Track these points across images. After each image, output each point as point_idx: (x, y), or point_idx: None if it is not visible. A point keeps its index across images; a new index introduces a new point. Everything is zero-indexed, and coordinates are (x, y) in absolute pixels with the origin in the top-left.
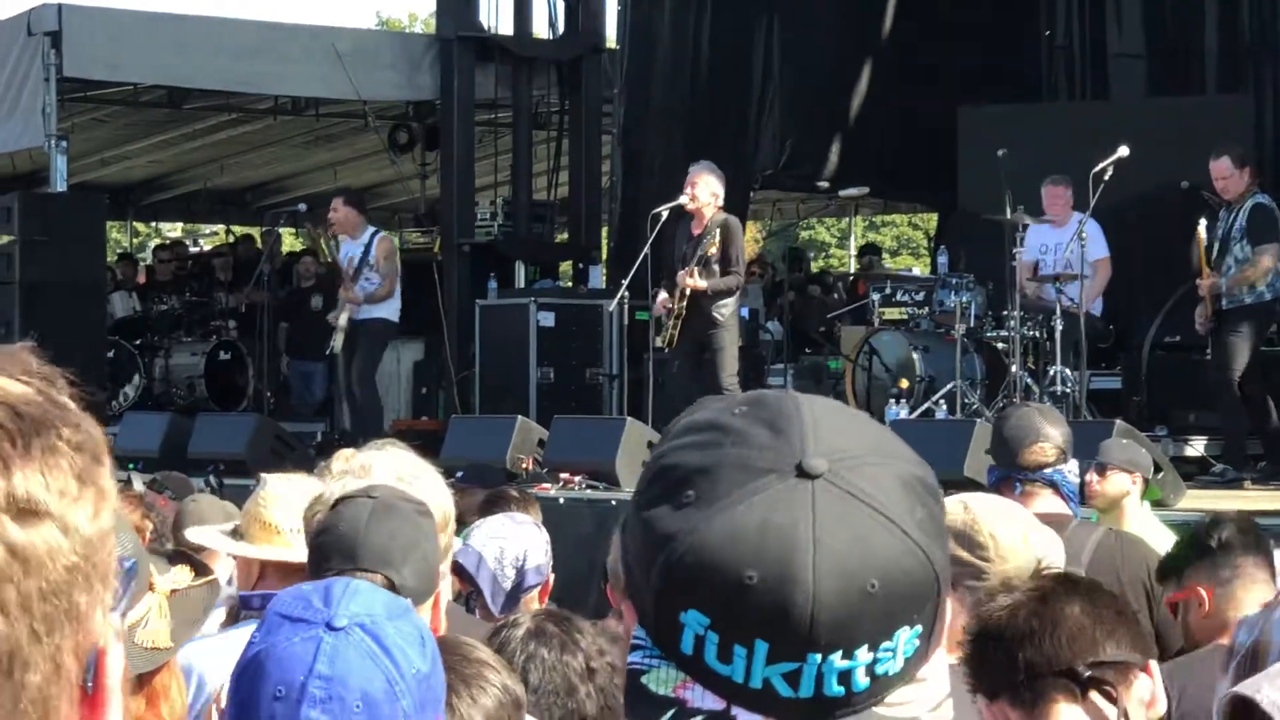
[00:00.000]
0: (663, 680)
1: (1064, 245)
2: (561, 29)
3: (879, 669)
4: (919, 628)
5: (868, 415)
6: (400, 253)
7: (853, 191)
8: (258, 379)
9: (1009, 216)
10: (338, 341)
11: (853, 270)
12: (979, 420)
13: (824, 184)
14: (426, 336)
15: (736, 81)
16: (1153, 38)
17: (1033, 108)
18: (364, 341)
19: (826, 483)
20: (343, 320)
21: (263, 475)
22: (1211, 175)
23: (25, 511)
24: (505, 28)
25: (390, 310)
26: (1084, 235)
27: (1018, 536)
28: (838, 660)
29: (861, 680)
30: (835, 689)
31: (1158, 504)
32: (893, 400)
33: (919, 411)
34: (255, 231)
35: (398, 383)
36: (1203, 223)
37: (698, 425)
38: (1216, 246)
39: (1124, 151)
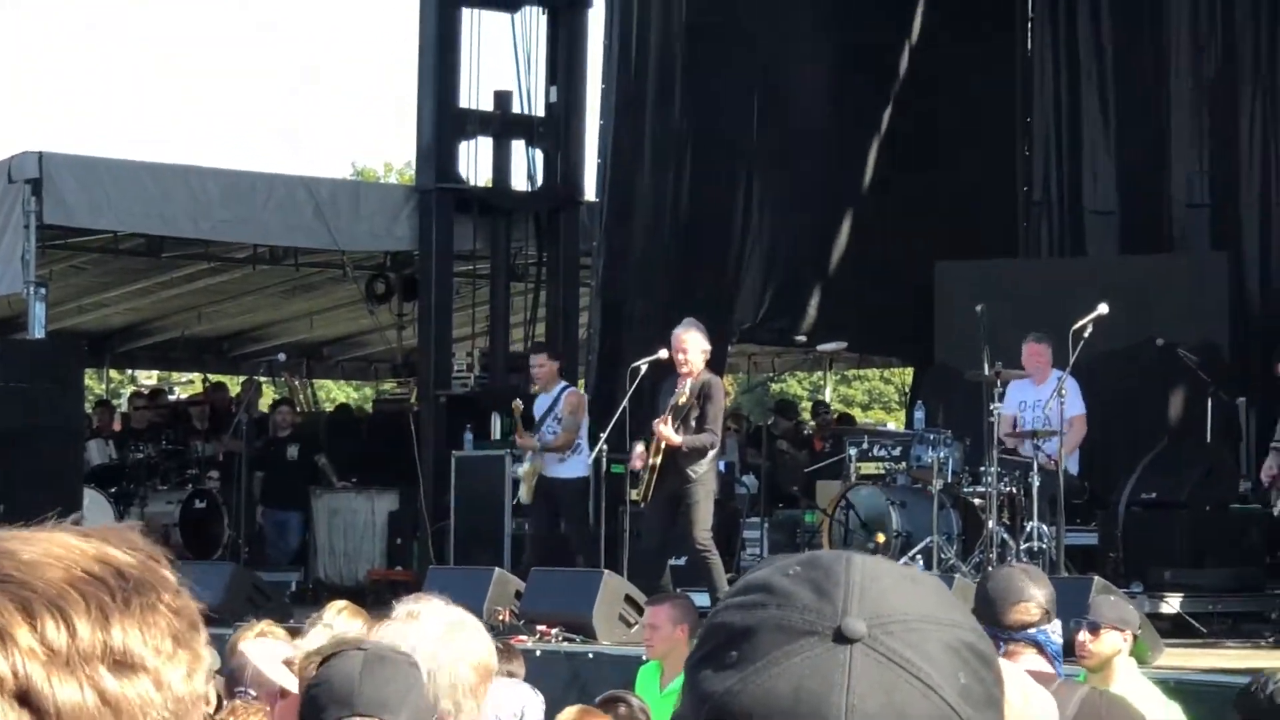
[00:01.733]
0: None
1: (1043, 402)
2: (540, 181)
3: None
4: None
5: (932, 577)
6: (375, 403)
7: (831, 346)
8: (233, 528)
9: (987, 372)
10: (524, 492)
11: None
12: (956, 575)
13: (802, 338)
14: (401, 487)
15: (716, 235)
16: (1126, 195)
17: (1010, 264)
18: (566, 499)
19: (865, 647)
20: (523, 469)
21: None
22: None
23: (121, 664)
24: (483, 179)
25: (582, 467)
26: (1063, 392)
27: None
28: None
29: None
30: None
31: (1139, 662)
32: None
33: None
34: (232, 380)
35: (372, 533)
36: None
37: (749, 585)
38: None
39: (1103, 309)
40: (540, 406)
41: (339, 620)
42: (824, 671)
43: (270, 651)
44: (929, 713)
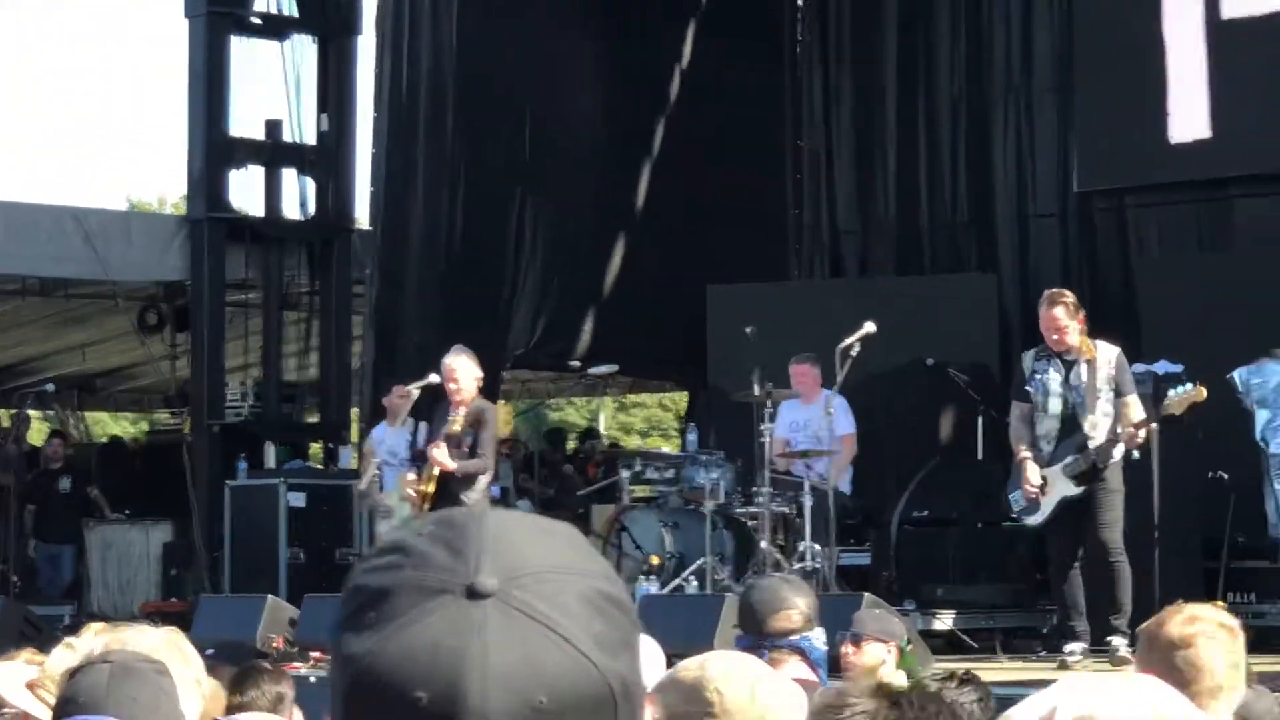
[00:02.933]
0: None
1: (813, 422)
2: (312, 209)
3: None
4: None
5: (566, 527)
6: (148, 434)
7: (601, 369)
8: (3, 562)
9: (757, 393)
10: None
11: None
12: (728, 595)
13: (575, 363)
14: (176, 518)
15: (490, 261)
16: (898, 215)
17: (780, 286)
18: None
19: (499, 602)
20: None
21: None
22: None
23: None
24: (255, 209)
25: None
26: (830, 410)
27: (745, 691)
28: None
29: None
30: None
31: (907, 675)
32: (643, 577)
33: (670, 587)
34: (3, 413)
35: (147, 564)
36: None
37: (386, 548)
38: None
39: (870, 327)
40: (400, 446)
41: (95, 642)
42: (459, 629)
43: (11, 675)
44: (564, 663)
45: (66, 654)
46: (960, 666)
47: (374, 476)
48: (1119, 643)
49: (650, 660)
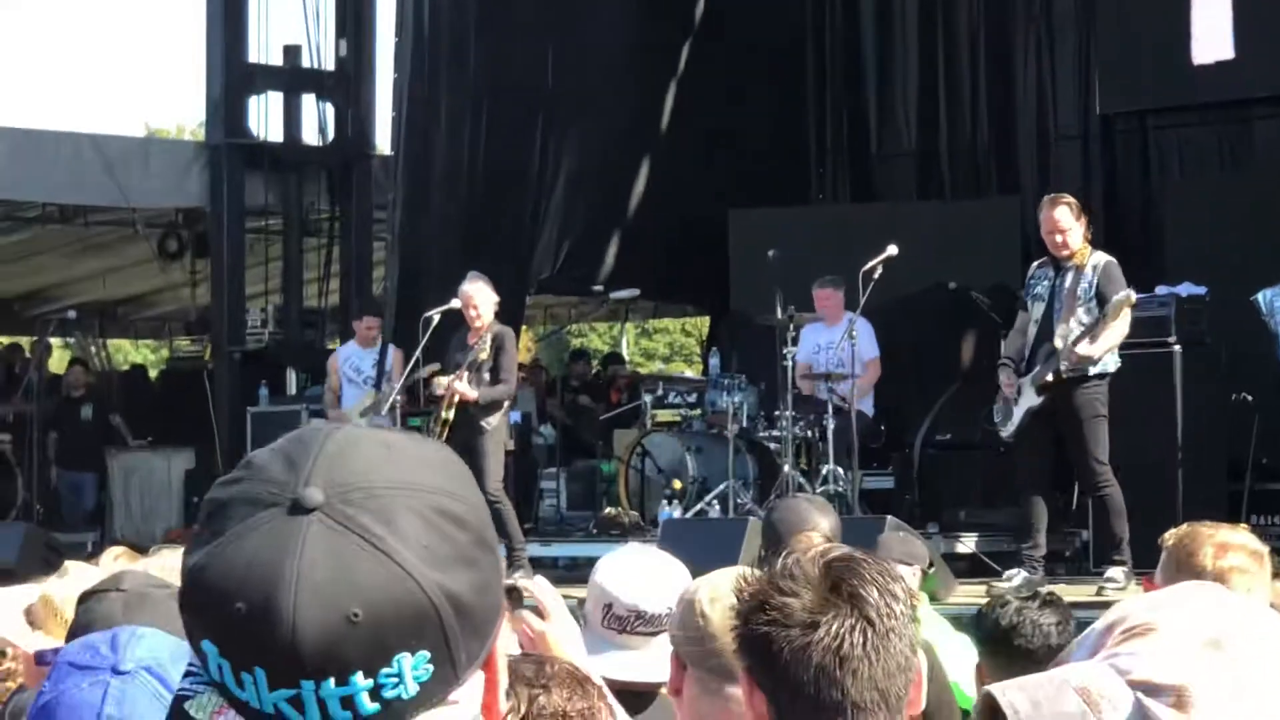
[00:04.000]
0: (203, 706)
1: (835, 344)
2: (331, 136)
3: (387, 694)
4: (426, 654)
5: (427, 446)
6: (169, 361)
7: (623, 294)
8: (27, 489)
9: (779, 317)
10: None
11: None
12: (751, 519)
13: (598, 287)
14: (197, 445)
15: (513, 186)
16: (919, 139)
17: (803, 210)
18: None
19: (322, 515)
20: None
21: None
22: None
23: None
24: (275, 134)
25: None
26: (854, 334)
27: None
28: (333, 685)
29: (368, 704)
30: (341, 713)
31: (930, 598)
32: (666, 501)
33: (693, 512)
34: (25, 341)
35: (169, 491)
36: None
37: (240, 463)
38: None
39: (893, 250)
40: (365, 364)
41: (115, 565)
42: (279, 542)
43: (7, 602)
44: (378, 574)
45: (66, 582)
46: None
47: (334, 392)
48: (1115, 572)
49: (678, 585)
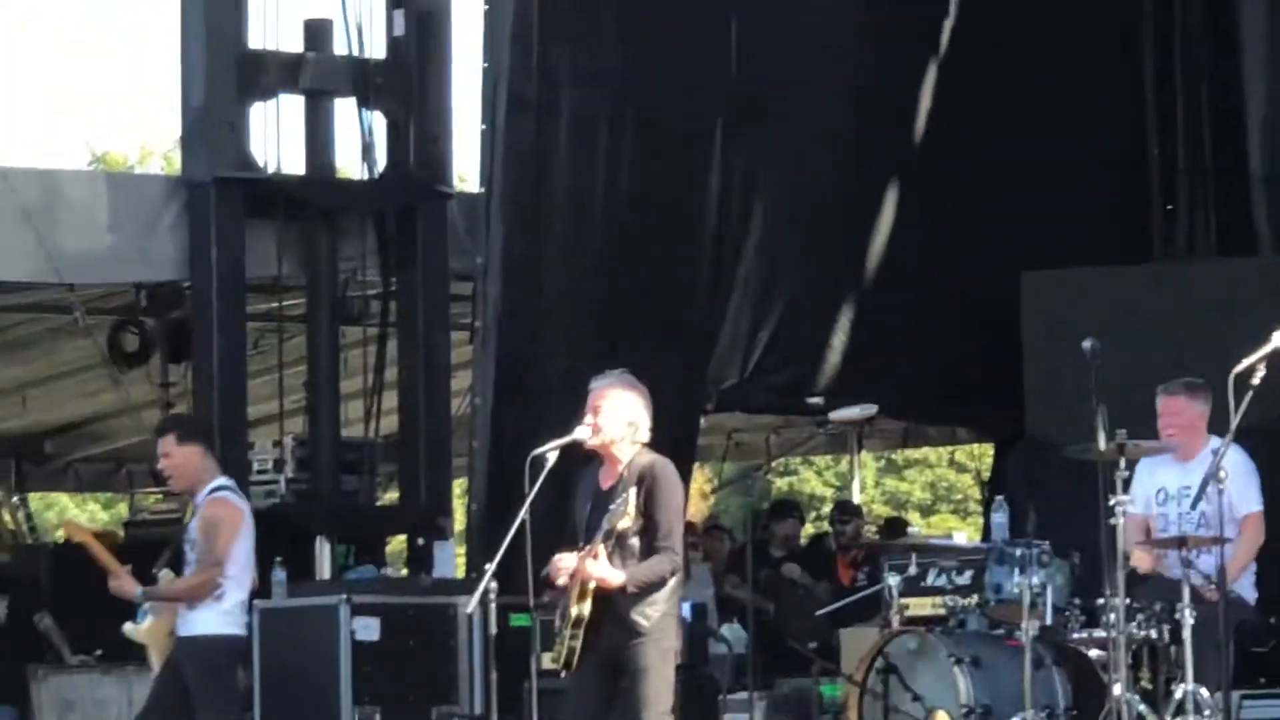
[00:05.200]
0: None
1: (1193, 490)
2: (383, 163)
3: None
4: None
5: None
6: (128, 525)
7: (853, 413)
8: None
9: (1105, 446)
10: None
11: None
12: None
13: (816, 400)
14: None
15: (676, 241)
16: None
17: (1139, 270)
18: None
19: None
20: (143, 626)
21: None
22: None
23: None
24: (293, 164)
25: (221, 619)
26: (1223, 474)
27: None
28: None
29: None
30: None
31: None
32: None
33: None
34: None
35: None
36: None
37: None
38: None
39: (1279, 342)
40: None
41: None
42: None
43: None
44: None
45: None
46: None
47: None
48: None
49: None
